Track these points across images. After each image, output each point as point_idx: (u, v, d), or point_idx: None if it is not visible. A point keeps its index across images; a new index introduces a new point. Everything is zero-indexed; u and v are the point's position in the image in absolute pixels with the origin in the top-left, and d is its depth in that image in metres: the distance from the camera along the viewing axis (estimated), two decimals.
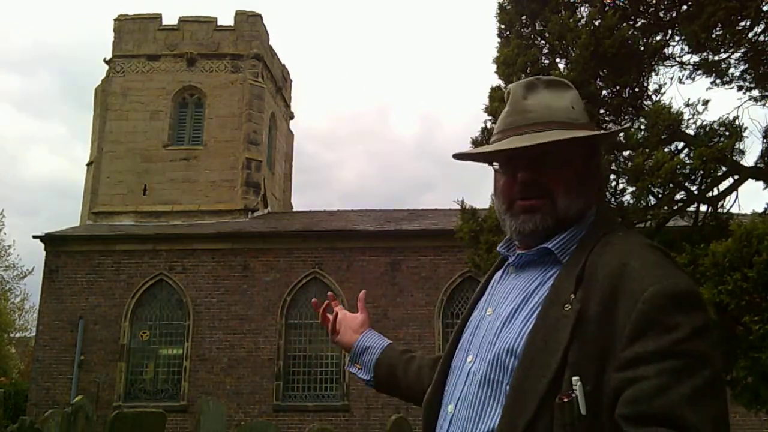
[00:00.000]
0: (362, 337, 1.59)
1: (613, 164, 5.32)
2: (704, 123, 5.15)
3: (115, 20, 20.07)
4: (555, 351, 0.99)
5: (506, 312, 1.13)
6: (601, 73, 5.34)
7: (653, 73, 5.52)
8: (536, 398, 0.98)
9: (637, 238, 1.11)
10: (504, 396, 1.05)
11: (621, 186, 5.37)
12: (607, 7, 5.27)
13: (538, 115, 1.16)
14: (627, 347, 0.94)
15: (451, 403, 1.16)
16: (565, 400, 0.96)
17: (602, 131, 1.26)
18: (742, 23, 4.99)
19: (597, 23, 5.20)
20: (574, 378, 0.96)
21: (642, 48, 5.27)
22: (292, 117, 24.02)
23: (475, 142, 6.06)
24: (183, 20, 19.95)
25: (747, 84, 5.43)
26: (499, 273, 1.27)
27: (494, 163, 1.24)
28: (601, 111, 5.50)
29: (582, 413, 0.95)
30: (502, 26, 6.12)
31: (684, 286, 0.98)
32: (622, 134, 5.56)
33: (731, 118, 5.10)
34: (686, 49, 5.40)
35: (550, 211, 1.14)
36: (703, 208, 5.44)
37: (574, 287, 1.04)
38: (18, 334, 25.67)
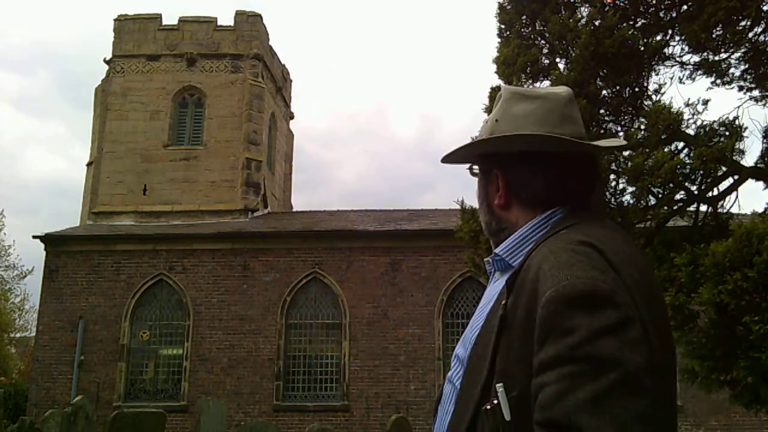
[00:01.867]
0: None
1: (613, 164, 5.32)
2: (704, 123, 5.15)
3: (115, 20, 20.08)
4: (486, 358, 1.01)
5: (472, 319, 1.17)
6: (601, 73, 5.34)
7: (653, 73, 5.53)
8: (472, 405, 1.00)
9: (570, 236, 1.06)
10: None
11: (621, 186, 5.37)
12: (607, 7, 5.27)
13: (483, 128, 1.25)
14: (537, 353, 0.93)
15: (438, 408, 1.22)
16: (488, 407, 0.96)
17: (464, 144, 1.26)
18: (742, 23, 4.99)
19: (597, 23, 5.20)
20: (498, 384, 0.96)
21: (642, 48, 5.26)
22: (292, 117, 24.02)
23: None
24: (183, 20, 19.95)
25: (747, 84, 5.43)
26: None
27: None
28: (601, 111, 5.50)
29: (506, 419, 0.94)
30: (502, 26, 6.12)
31: (582, 286, 0.92)
32: (622, 134, 5.57)
33: (731, 118, 5.10)
34: (686, 49, 5.40)
35: (491, 218, 1.23)
36: (703, 208, 5.44)
37: (506, 294, 1.04)
38: (18, 334, 25.65)
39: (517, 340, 0.97)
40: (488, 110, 6.09)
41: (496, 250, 1.18)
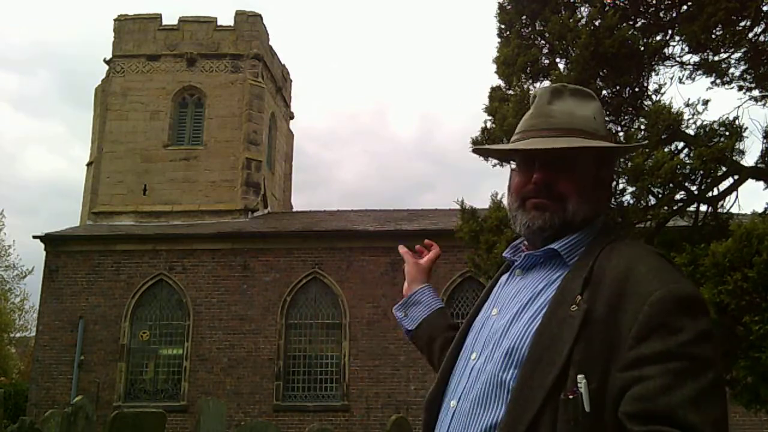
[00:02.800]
0: (421, 289, 1.64)
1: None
2: (704, 123, 5.15)
3: (115, 20, 20.07)
4: (561, 349, 1.03)
5: (512, 311, 1.16)
6: (601, 73, 5.33)
7: (653, 73, 5.52)
8: (542, 394, 1.01)
9: (643, 246, 1.17)
10: (507, 392, 1.07)
11: (621, 186, 5.36)
12: (607, 7, 5.26)
13: (560, 121, 1.22)
14: (633, 348, 0.98)
15: (453, 399, 1.19)
16: (570, 396, 0.99)
17: (619, 144, 1.35)
18: (742, 23, 4.98)
19: (597, 23, 5.20)
20: (580, 376, 0.99)
21: (642, 48, 5.26)
22: (292, 117, 24.02)
23: (475, 142, 6.06)
24: (183, 20, 19.95)
25: (747, 84, 5.43)
26: (505, 276, 1.31)
27: (511, 162, 1.31)
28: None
29: (586, 410, 0.97)
30: (502, 26, 6.12)
31: (690, 291, 1.02)
32: (621, 134, 5.56)
33: (731, 118, 5.10)
34: (686, 49, 5.40)
35: (559, 212, 1.19)
36: (703, 208, 5.44)
37: (581, 289, 1.08)
38: (18, 334, 25.65)
39: (598, 334, 1.02)
40: (488, 110, 6.08)
41: (556, 247, 1.18)
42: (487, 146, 1.37)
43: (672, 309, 0.98)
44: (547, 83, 5.60)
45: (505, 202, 6.16)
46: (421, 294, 1.63)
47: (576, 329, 1.03)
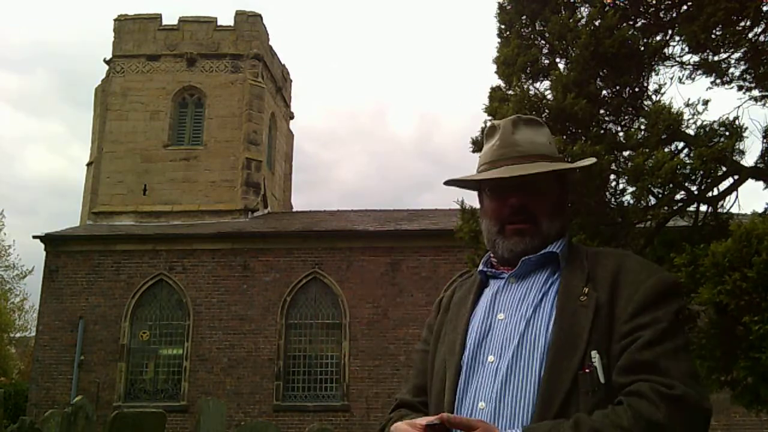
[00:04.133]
0: None
1: (613, 164, 5.31)
2: (704, 123, 5.15)
3: (115, 20, 20.07)
4: (580, 333, 1.20)
5: (527, 313, 1.29)
6: (601, 73, 5.33)
7: (653, 73, 5.52)
8: (571, 373, 1.17)
9: (613, 248, 1.46)
10: (538, 381, 1.20)
11: (621, 186, 5.36)
12: (607, 7, 5.26)
13: (525, 149, 1.38)
14: (627, 321, 1.19)
15: (481, 401, 1.25)
16: (587, 371, 1.17)
17: (577, 164, 1.57)
18: (742, 23, 4.98)
19: (597, 23, 5.20)
20: (593, 352, 1.18)
21: (642, 48, 5.26)
22: (292, 117, 24.03)
23: (475, 142, 6.06)
24: (183, 20, 19.95)
25: (747, 84, 5.43)
26: (500, 286, 1.39)
27: (485, 190, 1.44)
28: (601, 111, 5.49)
29: (600, 381, 1.16)
30: (502, 26, 6.11)
31: (675, 279, 1.31)
32: (621, 134, 5.56)
33: (731, 118, 5.10)
34: (686, 49, 5.40)
35: (536, 233, 1.35)
36: (703, 208, 5.44)
37: (584, 283, 1.27)
38: (18, 334, 25.65)
39: (603, 317, 1.21)
40: (488, 110, 6.08)
41: (556, 250, 1.35)
42: (463, 177, 1.44)
43: (662, 291, 1.22)
44: (547, 83, 5.60)
45: None
46: None
47: (591, 315, 1.21)
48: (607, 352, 1.18)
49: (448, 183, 1.52)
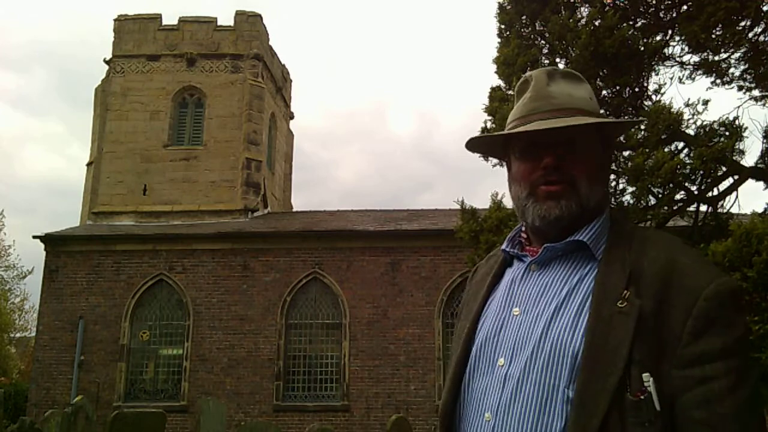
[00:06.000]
0: None
1: (613, 164, 5.32)
2: (704, 123, 5.14)
3: (115, 20, 20.08)
4: (619, 348, 0.98)
5: (547, 311, 1.09)
6: (601, 73, 5.33)
7: (653, 73, 5.52)
8: (607, 397, 0.96)
9: (670, 235, 1.16)
10: (561, 398, 1.01)
11: (621, 186, 5.36)
12: (607, 7, 5.26)
13: (562, 102, 1.16)
14: (690, 343, 0.97)
15: (487, 411, 1.09)
16: (641, 397, 0.96)
17: (626, 119, 1.32)
18: (742, 23, 4.98)
19: (597, 23, 5.20)
20: (645, 375, 0.96)
21: (642, 48, 5.26)
22: (292, 117, 24.02)
23: None
24: (183, 20, 19.95)
25: (747, 84, 5.43)
26: (518, 272, 1.21)
27: (515, 151, 1.22)
28: (601, 111, 5.49)
29: (656, 409, 0.95)
30: (502, 26, 6.11)
31: (736, 285, 1.03)
32: (621, 134, 5.55)
33: (731, 118, 5.09)
34: (686, 49, 5.40)
35: (574, 198, 1.13)
36: (703, 208, 5.43)
37: (626, 283, 1.04)
38: (18, 334, 25.66)
39: (649, 330, 0.99)
40: (488, 110, 6.08)
41: (584, 239, 1.12)
42: (487, 134, 1.22)
43: (726, 303, 0.99)
44: None
45: (506, 201, 6.16)
46: None
47: (633, 326, 0.99)
48: (658, 374, 0.97)
49: (470, 145, 1.29)
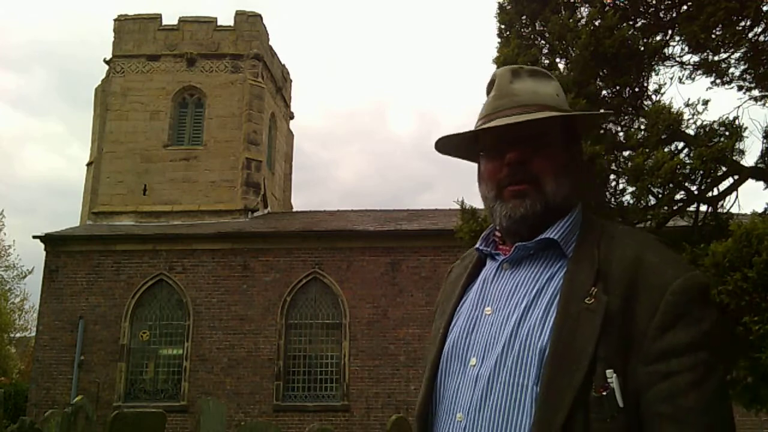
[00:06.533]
0: None
1: (613, 164, 5.32)
2: (704, 123, 5.14)
3: (115, 20, 20.08)
4: (585, 345, 0.99)
5: (517, 310, 1.09)
6: (601, 73, 5.33)
7: (653, 73, 5.52)
8: (571, 394, 0.97)
9: (641, 232, 1.15)
10: (530, 396, 1.01)
11: (621, 186, 5.36)
12: (607, 7, 5.26)
13: (525, 98, 1.16)
14: (657, 338, 0.97)
15: (459, 411, 1.09)
16: (604, 393, 0.96)
17: (589, 112, 1.28)
18: (742, 23, 4.98)
19: (597, 23, 5.20)
20: (609, 371, 0.97)
21: (642, 48, 5.26)
22: (292, 117, 24.03)
23: None
24: (183, 20, 19.96)
25: (747, 84, 5.43)
26: (492, 271, 1.20)
27: (481, 150, 1.23)
28: (601, 111, 5.49)
29: (619, 405, 0.95)
30: (502, 26, 6.11)
31: (705, 279, 1.03)
32: (621, 134, 5.56)
33: (731, 118, 5.10)
34: (686, 49, 5.40)
35: (539, 196, 1.13)
36: (703, 208, 5.43)
37: (593, 281, 1.04)
38: (18, 334, 25.67)
39: (616, 327, 0.99)
40: None
41: (554, 236, 1.12)
42: (451, 133, 1.23)
43: (693, 298, 0.99)
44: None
45: None
46: None
47: (599, 323, 0.99)
48: (623, 370, 0.97)
49: (440, 147, 1.29)
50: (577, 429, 0.96)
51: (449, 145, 1.29)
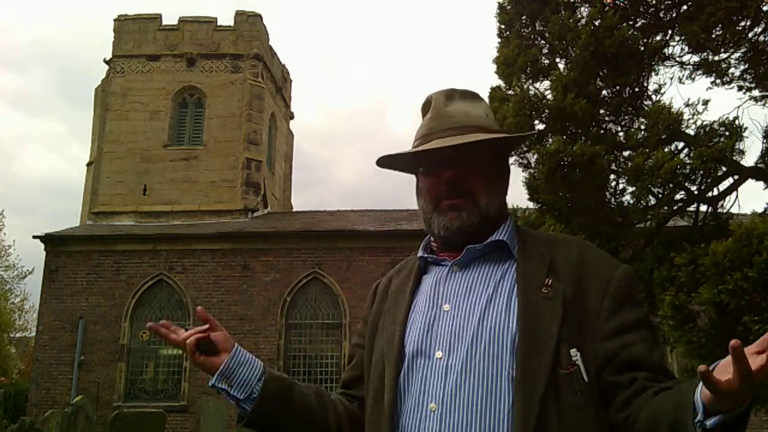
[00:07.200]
0: (237, 350, 1.40)
1: (613, 164, 5.32)
2: (704, 123, 5.15)
3: (115, 20, 20.08)
4: (549, 328, 1.11)
5: (479, 304, 1.18)
6: (601, 73, 5.33)
7: (653, 73, 5.52)
8: (545, 373, 1.08)
9: (576, 237, 1.42)
10: (507, 379, 1.11)
11: (621, 186, 5.36)
12: (607, 7, 5.26)
13: (459, 120, 1.27)
14: (609, 319, 1.13)
15: (432, 402, 1.14)
16: (571, 370, 1.09)
17: (516, 134, 1.47)
18: (742, 23, 4.98)
19: (597, 23, 5.20)
20: (573, 350, 1.10)
21: (642, 48, 5.26)
22: (292, 117, 24.02)
23: None
24: (183, 20, 19.95)
25: (747, 84, 5.43)
26: (442, 274, 1.29)
27: (419, 168, 1.34)
28: (601, 111, 5.49)
29: (585, 380, 1.09)
30: (502, 26, 6.11)
31: (632, 269, 1.25)
32: (621, 134, 5.56)
33: (731, 118, 5.10)
34: (686, 49, 5.40)
35: (475, 209, 1.25)
36: (703, 208, 5.44)
37: (545, 273, 1.18)
38: (18, 334, 25.65)
39: (571, 311, 1.13)
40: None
41: (504, 238, 1.25)
42: (396, 152, 1.35)
43: (632, 284, 1.19)
44: (547, 83, 5.60)
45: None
46: (239, 354, 1.39)
47: (560, 308, 1.13)
48: (583, 349, 1.10)
49: (380, 164, 1.39)
50: (552, 404, 1.07)
51: (390, 161, 1.39)
